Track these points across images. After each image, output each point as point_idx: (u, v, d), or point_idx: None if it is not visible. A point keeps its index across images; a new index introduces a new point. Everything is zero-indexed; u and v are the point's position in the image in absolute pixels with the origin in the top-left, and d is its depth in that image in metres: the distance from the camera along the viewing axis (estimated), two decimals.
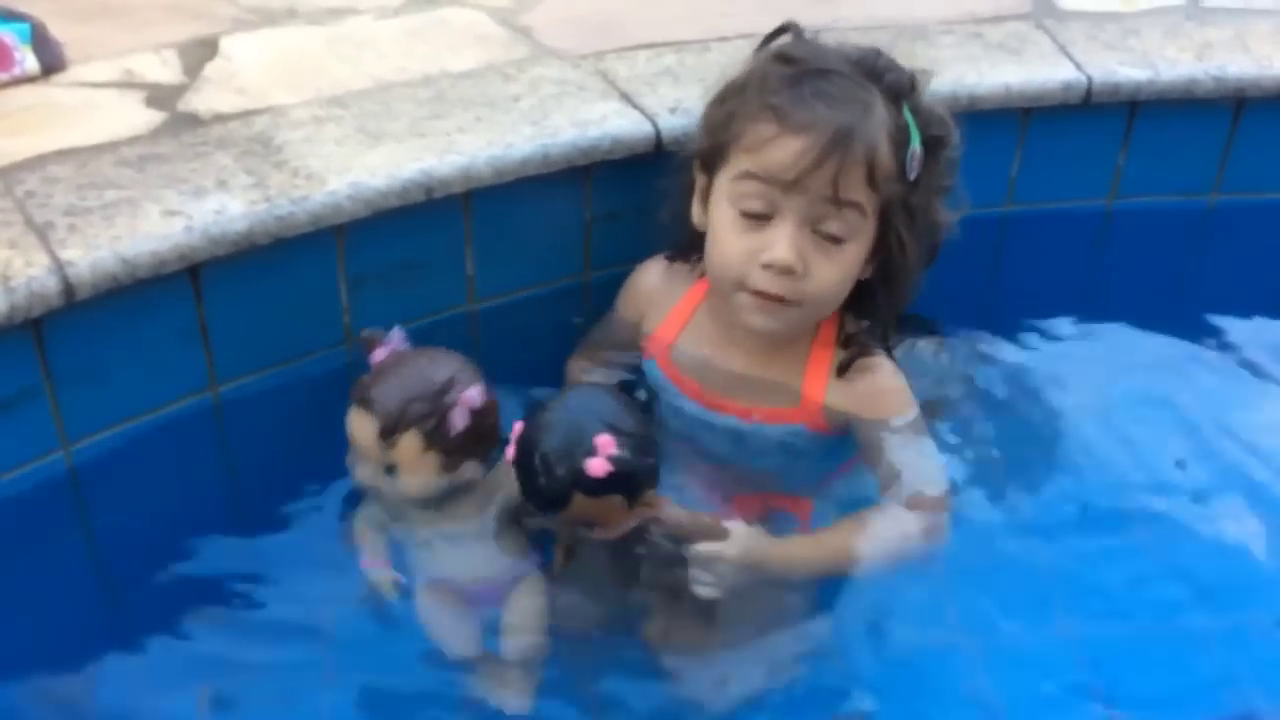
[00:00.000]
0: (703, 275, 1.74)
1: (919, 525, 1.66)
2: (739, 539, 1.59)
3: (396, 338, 1.65)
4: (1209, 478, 1.95)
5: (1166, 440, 2.03)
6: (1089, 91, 2.05)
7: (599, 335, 1.87)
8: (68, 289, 1.54)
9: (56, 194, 1.66)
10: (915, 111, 1.63)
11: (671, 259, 1.81)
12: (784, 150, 1.54)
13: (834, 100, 1.55)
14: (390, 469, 1.58)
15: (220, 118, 1.86)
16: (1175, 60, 2.10)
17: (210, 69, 2.00)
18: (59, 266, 1.54)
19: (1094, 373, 2.12)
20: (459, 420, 1.56)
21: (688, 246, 1.75)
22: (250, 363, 1.77)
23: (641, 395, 1.83)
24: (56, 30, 2.02)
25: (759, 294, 1.60)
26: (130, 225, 1.61)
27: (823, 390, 1.71)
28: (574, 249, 1.94)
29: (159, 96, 1.92)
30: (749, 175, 1.57)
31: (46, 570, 1.68)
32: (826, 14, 2.07)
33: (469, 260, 1.86)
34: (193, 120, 1.85)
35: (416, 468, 1.57)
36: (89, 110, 1.88)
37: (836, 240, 1.58)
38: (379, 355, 1.64)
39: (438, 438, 1.56)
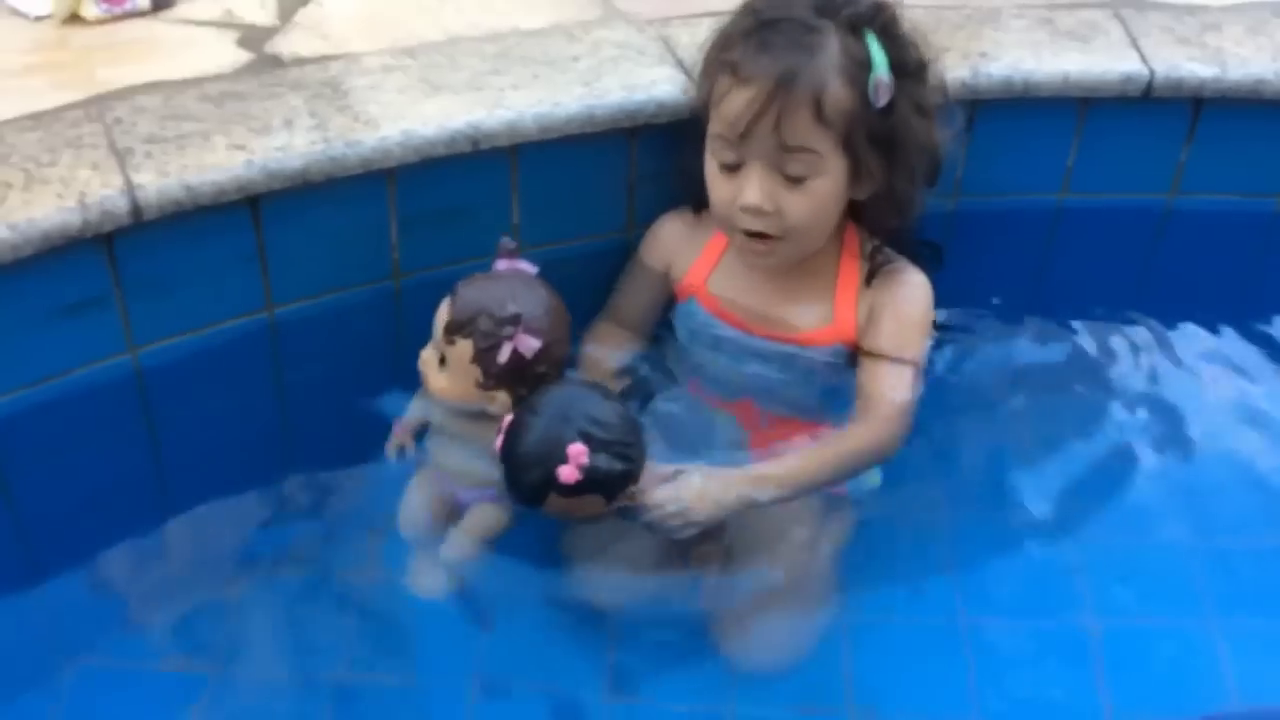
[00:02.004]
0: None
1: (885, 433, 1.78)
2: (693, 477, 1.67)
3: (524, 263, 1.76)
4: (1253, 476, 1.96)
5: (1212, 441, 2.03)
6: (1150, 85, 2.03)
7: (624, 295, 1.96)
8: (136, 209, 1.71)
9: (141, 123, 1.83)
10: (887, 37, 1.68)
11: (696, 210, 1.92)
12: (734, 103, 1.67)
13: (777, 49, 1.64)
14: (443, 360, 1.73)
15: (300, 61, 2.00)
16: (1247, 59, 2.05)
17: (302, 14, 2.14)
18: (130, 189, 1.71)
19: (1142, 368, 2.12)
20: (504, 355, 1.67)
21: (705, 198, 1.84)
22: (305, 288, 1.91)
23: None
24: None
25: (747, 233, 1.74)
26: (198, 156, 1.76)
27: (854, 302, 1.83)
28: (618, 206, 2.03)
29: (251, 38, 2.07)
30: (717, 135, 1.72)
31: (109, 459, 1.87)
32: None
33: (515, 209, 1.97)
34: (275, 62, 2.00)
35: (460, 372, 1.70)
36: (186, 47, 2.04)
37: (800, 179, 1.69)
38: (500, 265, 1.75)
39: (485, 358, 1.68)
